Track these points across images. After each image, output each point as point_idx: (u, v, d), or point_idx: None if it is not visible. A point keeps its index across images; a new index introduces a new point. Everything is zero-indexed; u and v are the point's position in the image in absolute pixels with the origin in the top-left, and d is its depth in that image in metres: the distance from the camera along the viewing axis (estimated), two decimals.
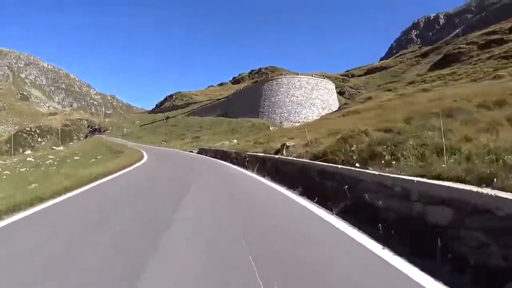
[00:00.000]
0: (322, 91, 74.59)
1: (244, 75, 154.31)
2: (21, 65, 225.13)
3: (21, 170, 34.78)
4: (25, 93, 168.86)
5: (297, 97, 70.51)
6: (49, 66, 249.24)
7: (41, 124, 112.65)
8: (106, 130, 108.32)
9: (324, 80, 77.12)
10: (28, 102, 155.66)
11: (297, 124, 62.22)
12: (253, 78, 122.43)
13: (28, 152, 78.22)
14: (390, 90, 58.98)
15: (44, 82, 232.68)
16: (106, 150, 47.81)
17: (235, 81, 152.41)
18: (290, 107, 69.23)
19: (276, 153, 14.40)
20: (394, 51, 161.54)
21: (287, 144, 14.45)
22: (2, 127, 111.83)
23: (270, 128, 61.22)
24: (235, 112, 74.28)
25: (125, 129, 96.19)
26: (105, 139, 75.90)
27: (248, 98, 74.86)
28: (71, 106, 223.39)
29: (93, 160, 34.83)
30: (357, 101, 56.18)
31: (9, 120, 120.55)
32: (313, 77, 74.91)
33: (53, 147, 68.13)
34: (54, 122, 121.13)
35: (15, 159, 55.95)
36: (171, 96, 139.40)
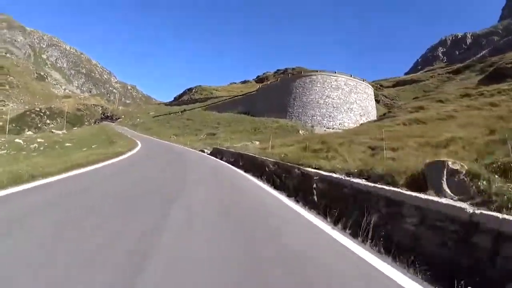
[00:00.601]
0: (361, 95, 64.98)
1: (269, 74, 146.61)
2: (44, 46, 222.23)
3: None
4: (42, 73, 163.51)
5: (333, 99, 60.99)
6: (71, 49, 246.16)
7: (53, 106, 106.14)
8: (118, 119, 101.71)
9: (364, 83, 67.41)
10: (44, 82, 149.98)
11: (331, 130, 53.02)
12: (277, 79, 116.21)
13: (29, 133, 71.42)
14: (441, 101, 51.04)
15: (65, 65, 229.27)
16: (106, 138, 41.12)
17: (259, 79, 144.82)
18: (325, 110, 59.70)
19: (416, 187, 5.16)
20: (419, 67, 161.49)
21: (452, 166, 5.15)
22: (12, 104, 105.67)
23: (300, 132, 52.20)
24: (260, 110, 65.18)
25: (138, 119, 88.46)
26: (110, 127, 68.13)
27: (275, 95, 65.68)
28: (90, 91, 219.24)
29: (85, 149, 29.91)
30: (406, 110, 48.21)
31: (20, 98, 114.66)
32: (351, 78, 65.25)
33: (53, 131, 60.58)
34: (67, 105, 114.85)
35: (3, 139, 48.63)
36: (190, 89, 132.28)
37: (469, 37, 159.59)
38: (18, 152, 34.52)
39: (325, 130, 54.10)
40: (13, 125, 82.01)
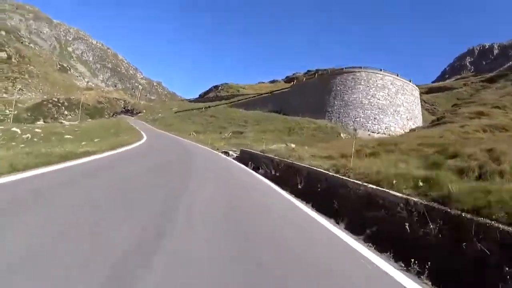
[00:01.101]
0: (408, 98, 56.55)
1: (299, 75, 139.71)
2: (70, 39, 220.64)
3: None
4: (65, 65, 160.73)
5: (379, 99, 52.73)
6: (97, 44, 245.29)
7: (72, 97, 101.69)
8: (139, 113, 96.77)
9: (410, 84, 58.77)
10: (66, 74, 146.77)
11: (375, 135, 44.91)
12: (309, 79, 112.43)
13: (39, 123, 66.39)
14: (498, 107, 43.65)
15: (90, 58, 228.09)
16: (114, 132, 34.56)
17: (289, 79, 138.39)
18: (369, 111, 51.52)
19: None
20: (447, 76, 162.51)
21: None
22: (29, 94, 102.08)
23: (342, 135, 44.37)
24: (293, 109, 57.47)
25: (159, 114, 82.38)
26: (126, 121, 62.08)
27: (312, 93, 57.91)
28: (115, 86, 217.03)
29: (84, 142, 23.18)
30: (462, 116, 40.21)
31: (40, 88, 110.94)
32: (398, 78, 56.78)
33: (62, 121, 54.92)
34: (85, 96, 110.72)
35: (1, 127, 43.04)
36: (216, 87, 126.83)
37: (496, 47, 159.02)
38: (7, 142, 29.70)
39: (369, 134, 46.07)
40: (28, 114, 77.49)
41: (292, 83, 68.30)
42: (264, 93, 77.19)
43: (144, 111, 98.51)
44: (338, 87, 55.62)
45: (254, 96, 76.17)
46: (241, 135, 37.19)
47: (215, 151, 23.39)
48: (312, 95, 57.26)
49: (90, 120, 75.15)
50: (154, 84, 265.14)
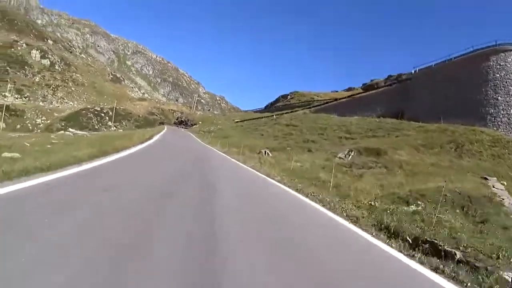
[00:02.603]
0: None
1: (378, 81, 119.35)
2: (128, 53, 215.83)
3: None
4: (118, 75, 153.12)
5: None
6: (157, 58, 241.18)
7: (121, 107, 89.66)
8: (194, 124, 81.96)
9: None
10: (120, 85, 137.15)
11: None
12: (390, 85, 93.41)
13: (68, 132, 52.87)
14: None
15: (150, 72, 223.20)
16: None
17: (367, 87, 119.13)
18: None
19: None
20: None
21: None
22: (70, 103, 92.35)
23: None
24: (423, 111, 37.30)
25: (218, 126, 65.77)
26: (168, 131, 46.35)
27: (450, 84, 37.18)
28: (177, 100, 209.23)
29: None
30: None
31: (84, 97, 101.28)
32: None
33: (71, 130, 39.82)
34: (139, 107, 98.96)
35: None
36: (284, 96, 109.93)
37: None
38: None
39: None
40: (63, 124, 65.44)
41: (413, 71, 47.17)
42: (359, 93, 57.08)
43: (200, 122, 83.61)
44: (496, 74, 34.43)
45: (347, 98, 56.38)
46: (384, 165, 17.67)
47: None
48: (450, 88, 36.52)
49: (119, 129, 61.55)
50: (217, 98, 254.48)
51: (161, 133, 37.65)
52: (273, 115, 55.22)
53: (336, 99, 58.53)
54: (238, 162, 18.20)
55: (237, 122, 63.60)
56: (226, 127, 59.73)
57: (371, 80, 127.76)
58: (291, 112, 55.94)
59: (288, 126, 44.67)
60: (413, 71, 45.97)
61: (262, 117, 59.78)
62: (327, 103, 59.53)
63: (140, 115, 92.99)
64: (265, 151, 27.42)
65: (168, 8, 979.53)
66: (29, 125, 65.64)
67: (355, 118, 40.49)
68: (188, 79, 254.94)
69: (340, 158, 20.31)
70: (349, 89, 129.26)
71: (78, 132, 31.71)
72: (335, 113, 46.94)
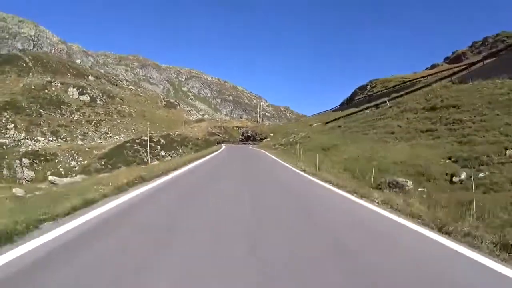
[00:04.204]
0: None
1: (464, 50, 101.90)
2: (182, 79, 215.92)
3: None
4: (172, 100, 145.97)
5: None
6: (213, 79, 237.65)
7: (173, 133, 79.03)
8: (264, 138, 69.54)
9: None
10: (175, 110, 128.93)
11: None
12: (479, 52, 74.67)
13: (103, 175, 39.44)
14: None
15: (209, 94, 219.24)
16: None
17: (452, 59, 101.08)
18: None
19: None
20: None
21: None
22: (116, 136, 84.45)
23: None
24: None
25: (300, 134, 49.83)
26: (220, 155, 31.07)
27: None
28: (241, 117, 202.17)
29: None
30: None
31: (131, 128, 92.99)
32: None
33: (50, 178, 26.42)
34: (197, 130, 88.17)
35: None
36: (362, 87, 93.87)
37: None
38: None
39: None
40: (102, 162, 55.44)
41: None
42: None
43: (272, 134, 69.76)
44: None
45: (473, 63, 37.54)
46: None
47: None
48: None
49: (171, 157, 48.50)
50: (282, 109, 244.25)
51: (200, 161, 21.99)
52: (386, 101, 38.39)
53: (469, 65, 39.76)
54: None
55: (327, 122, 47.68)
56: (313, 133, 43.80)
57: (453, 53, 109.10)
58: (406, 93, 38.16)
59: (434, 110, 27.18)
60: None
61: (356, 112, 42.96)
62: (447, 76, 40.86)
63: (199, 138, 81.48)
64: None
65: (218, 29, 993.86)
66: (61, 169, 56.99)
67: None
68: (248, 95, 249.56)
69: None
70: (433, 66, 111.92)
71: (64, 179, 17.75)
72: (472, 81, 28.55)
